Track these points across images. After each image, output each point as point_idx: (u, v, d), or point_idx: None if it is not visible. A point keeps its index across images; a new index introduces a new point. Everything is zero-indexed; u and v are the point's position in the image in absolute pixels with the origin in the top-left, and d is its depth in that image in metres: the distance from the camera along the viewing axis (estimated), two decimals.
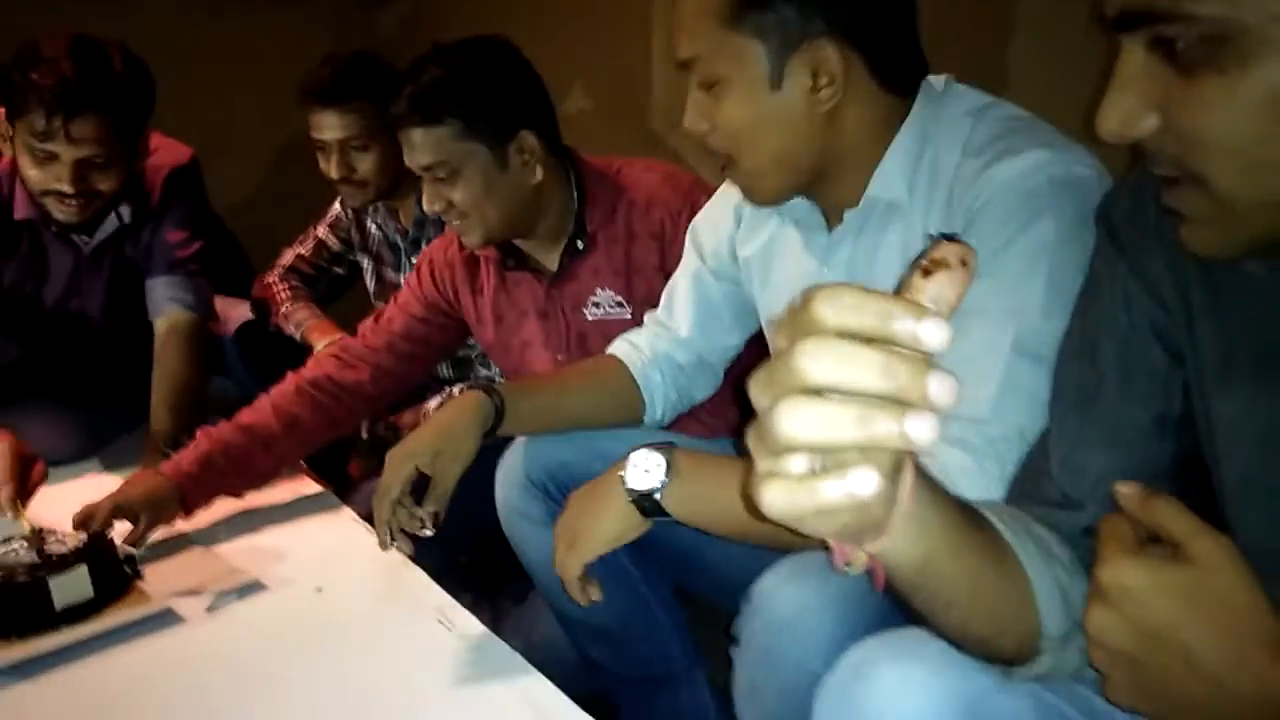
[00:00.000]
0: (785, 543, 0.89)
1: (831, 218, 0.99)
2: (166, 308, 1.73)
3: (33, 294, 1.72)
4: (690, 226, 1.23)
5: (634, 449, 0.98)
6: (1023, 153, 0.83)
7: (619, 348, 1.25)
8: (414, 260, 1.96)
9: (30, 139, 1.47)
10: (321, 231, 2.08)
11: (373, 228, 2.02)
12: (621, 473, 0.97)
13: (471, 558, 1.51)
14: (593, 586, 1.02)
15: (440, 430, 1.13)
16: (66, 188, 1.50)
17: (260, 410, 1.44)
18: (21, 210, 1.62)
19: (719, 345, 1.23)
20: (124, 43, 1.58)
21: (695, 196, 1.35)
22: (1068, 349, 0.69)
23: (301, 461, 1.76)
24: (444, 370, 2.04)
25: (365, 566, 1.29)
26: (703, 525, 0.97)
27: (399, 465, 1.11)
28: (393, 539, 1.12)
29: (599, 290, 1.39)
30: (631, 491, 0.96)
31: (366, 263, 2.07)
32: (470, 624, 1.14)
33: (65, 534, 1.20)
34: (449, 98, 1.26)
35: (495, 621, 1.25)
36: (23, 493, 1.35)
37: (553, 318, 1.43)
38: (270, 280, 2.04)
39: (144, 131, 1.62)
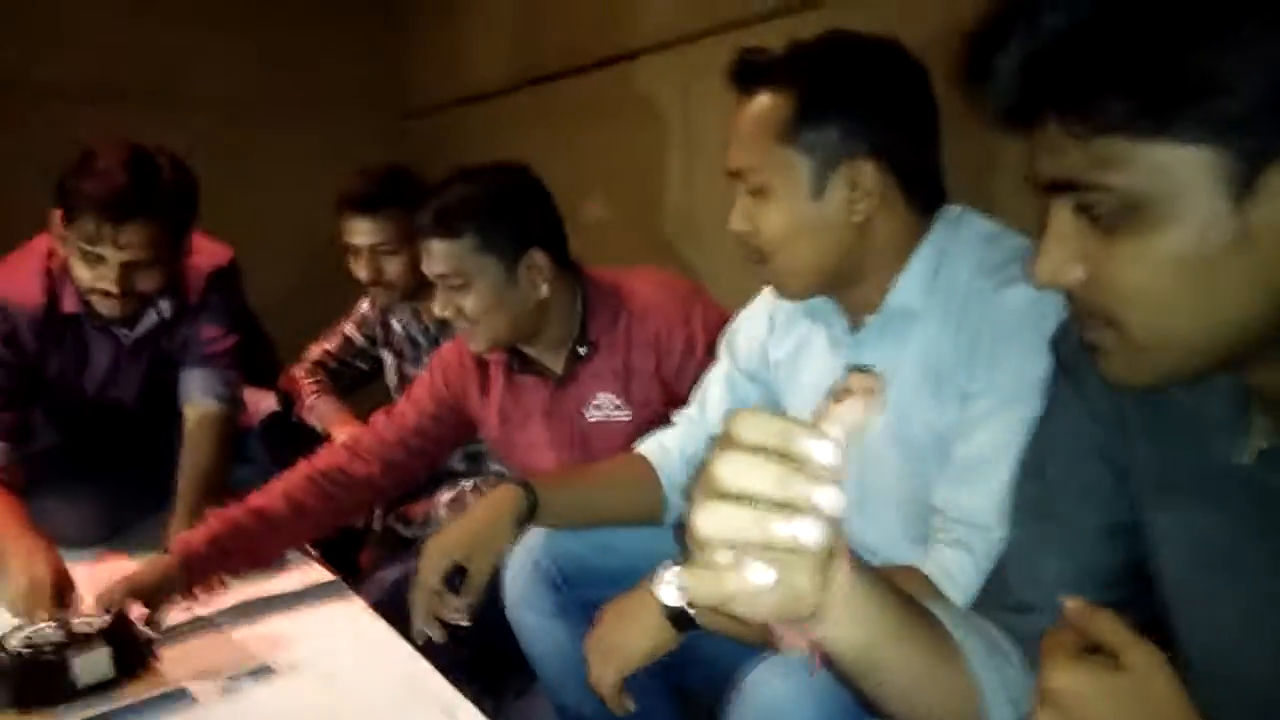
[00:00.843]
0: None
1: (854, 321, 1.08)
2: (198, 399, 1.81)
3: (74, 383, 1.81)
4: (726, 331, 1.31)
5: (661, 564, 1.03)
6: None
7: (649, 448, 1.32)
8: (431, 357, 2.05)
9: (81, 242, 1.57)
10: (348, 328, 2.18)
11: (397, 325, 2.12)
12: (653, 589, 1.02)
13: (475, 649, 1.54)
14: (628, 697, 1.06)
15: (477, 525, 1.20)
16: (112, 287, 1.59)
17: (271, 495, 1.50)
18: (68, 304, 1.72)
19: None
20: (177, 145, 1.70)
21: (690, 305, 1.45)
22: (1023, 466, 0.76)
23: (314, 551, 1.82)
24: (456, 463, 2.10)
25: (373, 656, 1.32)
26: (734, 635, 1.00)
27: (437, 558, 1.18)
28: (427, 629, 1.18)
29: (600, 394, 1.47)
30: (666, 608, 1.01)
31: (389, 358, 2.16)
32: (474, 717, 1.17)
33: (90, 615, 1.26)
34: (469, 214, 1.37)
35: (497, 713, 1.28)
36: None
37: (557, 418, 1.50)
38: (297, 373, 2.13)
39: (188, 235, 1.72)
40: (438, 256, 1.38)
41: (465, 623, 1.17)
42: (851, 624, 0.55)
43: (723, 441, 0.49)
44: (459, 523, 1.22)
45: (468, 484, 1.99)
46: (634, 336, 1.44)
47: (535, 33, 2.77)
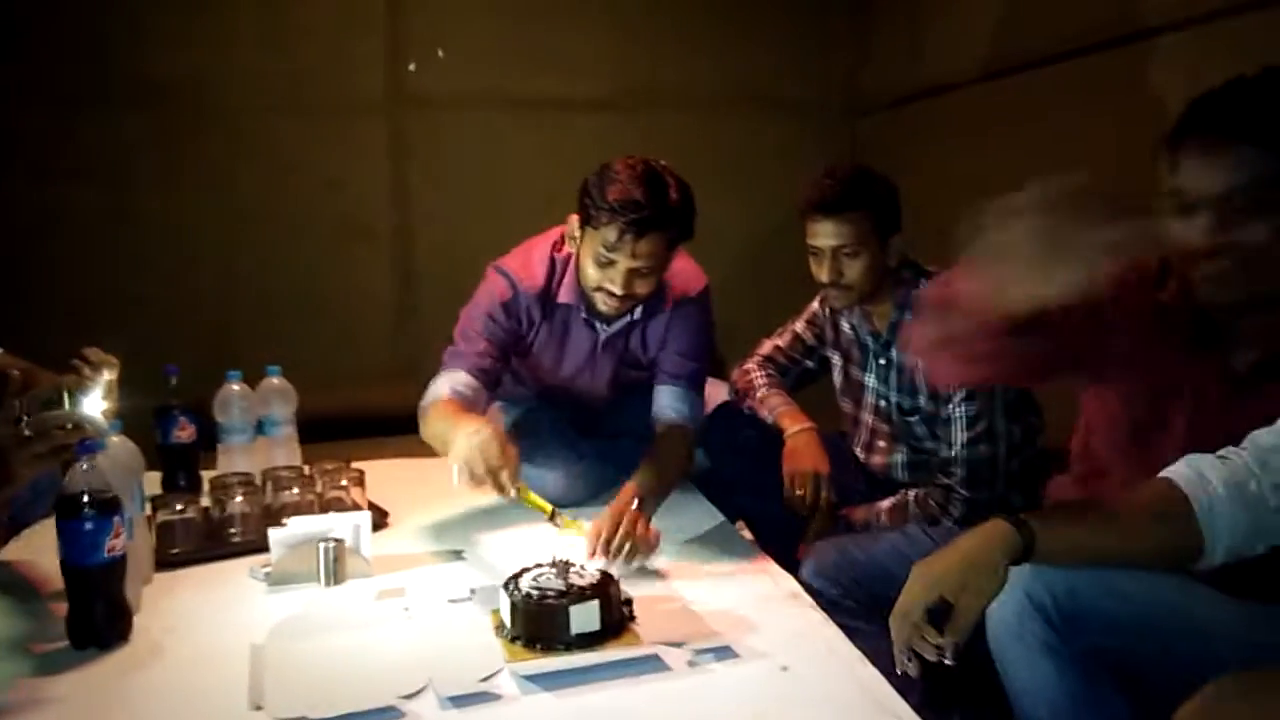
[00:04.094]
0: None
1: None
2: (666, 414, 1.96)
3: (555, 361, 2.04)
4: None
5: None
6: None
7: (1184, 474, 1.12)
8: (882, 361, 2.02)
9: (599, 247, 1.75)
10: (799, 326, 2.23)
11: (846, 327, 2.12)
12: None
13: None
14: None
15: (969, 562, 1.12)
16: (617, 289, 1.77)
17: None
18: (564, 295, 1.94)
19: None
20: (652, 143, 1.84)
21: None
22: None
23: (750, 534, 1.89)
24: (898, 474, 2.06)
25: (825, 657, 1.33)
26: None
27: (924, 590, 1.12)
28: (908, 660, 1.13)
29: None
30: None
31: (836, 359, 2.17)
32: None
33: (583, 570, 1.41)
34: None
35: None
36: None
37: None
38: (749, 367, 2.22)
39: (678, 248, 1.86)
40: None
41: (948, 662, 1.11)
42: None
43: None
44: (949, 556, 1.14)
45: (911, 493, 1.95)
46: None
47: (1013, 20, 2.61)
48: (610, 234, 1.73)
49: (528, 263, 1.97)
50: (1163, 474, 1.14)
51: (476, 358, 1.91)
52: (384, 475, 2.10)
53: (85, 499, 1.33)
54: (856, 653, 1.34)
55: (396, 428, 2.68)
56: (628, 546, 1.59)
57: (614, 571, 1.47)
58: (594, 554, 1.59)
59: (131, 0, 3.03)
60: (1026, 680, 1.12)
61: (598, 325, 1.97)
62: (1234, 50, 1.93)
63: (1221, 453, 1.13)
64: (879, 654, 1.28)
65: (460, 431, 1.62)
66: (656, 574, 1.62)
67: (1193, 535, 1.09)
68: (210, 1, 3.10)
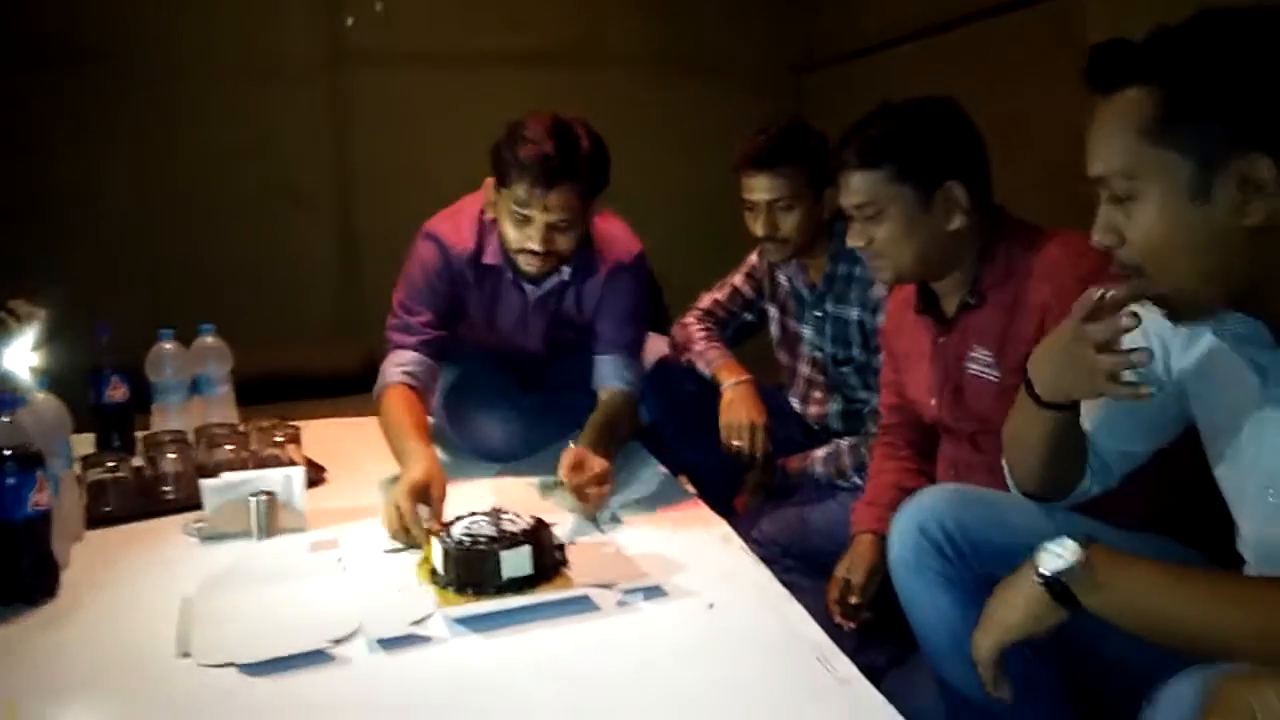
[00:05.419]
0: (1207, 651, 0.85)
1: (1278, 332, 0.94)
2: (609, 383, 1.96)
3: (489, 322, 2.03)
4: None
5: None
6: None
7: None
8: (818, 313, 2.05)
9: (513, 204, 1.74)
10: (737, 280, 2.25)
11: (783, 280, 2.15)
12: (1035, 559, 0.99)
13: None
14: (1004, 682, 1.02)
15: None
16: (537, 246, 1.76)
17: None
18: (489, 257, 1.93)
19: (1119, 450, 1.18)
20: (594, 99, 1.81)
21: (1096, 280, 1.28)
22: None
23: (693, 489, 1.93)
24: (834, 423, 2.10)
25: (751, 594, 1.37)
26: (1116, 619, 0.95)
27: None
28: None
29: (978, 348, 1.44)
30: (1040, 575, 0.97)
31: (774, 312, 2.20)
32: (849, 670, 1.16)
33: (516, 515, 1.42)
34: (888, 146, 1.41)
35: (868, 673, 1.27)
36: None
37: (937, 363, 1.51)
38: (688, 321, 2.24)
39: (597, 199, 1.84)
40: (855, 187, 1.44)
41: None
42: None
43: None
44: None
45: (844, 442, 1.99)
46: (1024, 298, 1.38)
47: None
48: (521, 189, 1.71)
49: (458, 225, 1.95)
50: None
51: (422, 330, 1.90)
52: (322, 434, 2.09)
53: (7, 453, 1.31)
54: (783, 591, 1.37)
55: (338, 389, 2.68)
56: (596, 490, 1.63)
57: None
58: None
59: None
60: (929, 612, 1.17)
61: (526, 287, 1.96)
62: (1170, 2, 1.96)
63: None
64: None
65: (407, 460, 1.63)
66: (616, 520, 1.65)
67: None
68: None
